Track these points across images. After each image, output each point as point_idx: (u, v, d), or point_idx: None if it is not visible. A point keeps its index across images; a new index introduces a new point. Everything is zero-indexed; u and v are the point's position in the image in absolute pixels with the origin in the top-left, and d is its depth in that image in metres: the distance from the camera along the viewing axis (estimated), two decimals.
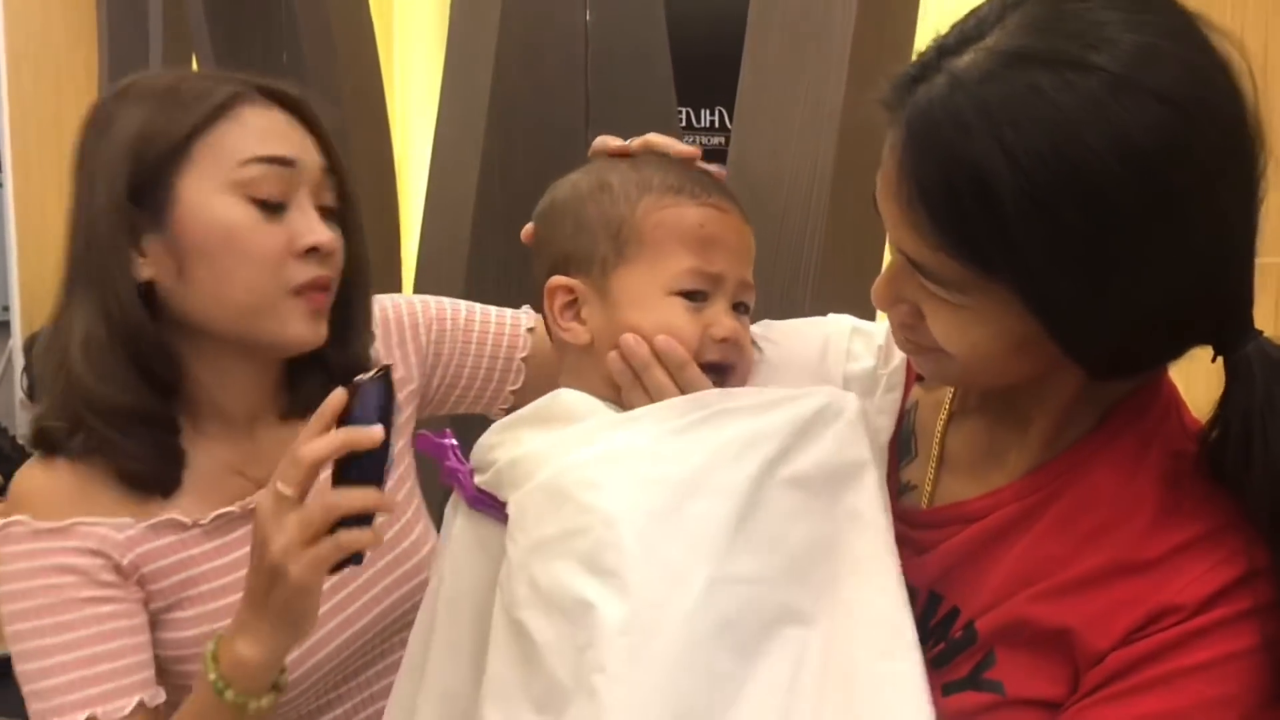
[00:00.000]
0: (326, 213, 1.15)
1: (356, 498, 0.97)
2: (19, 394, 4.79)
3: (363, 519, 0.98)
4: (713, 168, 1.09)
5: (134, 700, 1.08)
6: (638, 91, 1.95)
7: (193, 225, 1.09)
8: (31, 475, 1.13)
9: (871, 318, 1.13)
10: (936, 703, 0.87)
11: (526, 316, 1.35)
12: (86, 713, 1.06)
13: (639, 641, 0.83)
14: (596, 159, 1.08)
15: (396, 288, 2.48)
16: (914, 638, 0.89)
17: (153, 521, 1.12)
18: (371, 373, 0.99)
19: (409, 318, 1.29)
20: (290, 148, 1.13)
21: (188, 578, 1.13)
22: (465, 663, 0.97)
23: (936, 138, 0.79)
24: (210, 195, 1.09)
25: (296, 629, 1.01)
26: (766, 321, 1.10)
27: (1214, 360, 0.85)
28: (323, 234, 1.12)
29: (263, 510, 0.98)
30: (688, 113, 2.40)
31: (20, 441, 4.44)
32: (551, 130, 1.93)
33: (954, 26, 0.84)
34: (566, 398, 0.99)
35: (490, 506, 0.97)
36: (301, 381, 1.19)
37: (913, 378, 1.04)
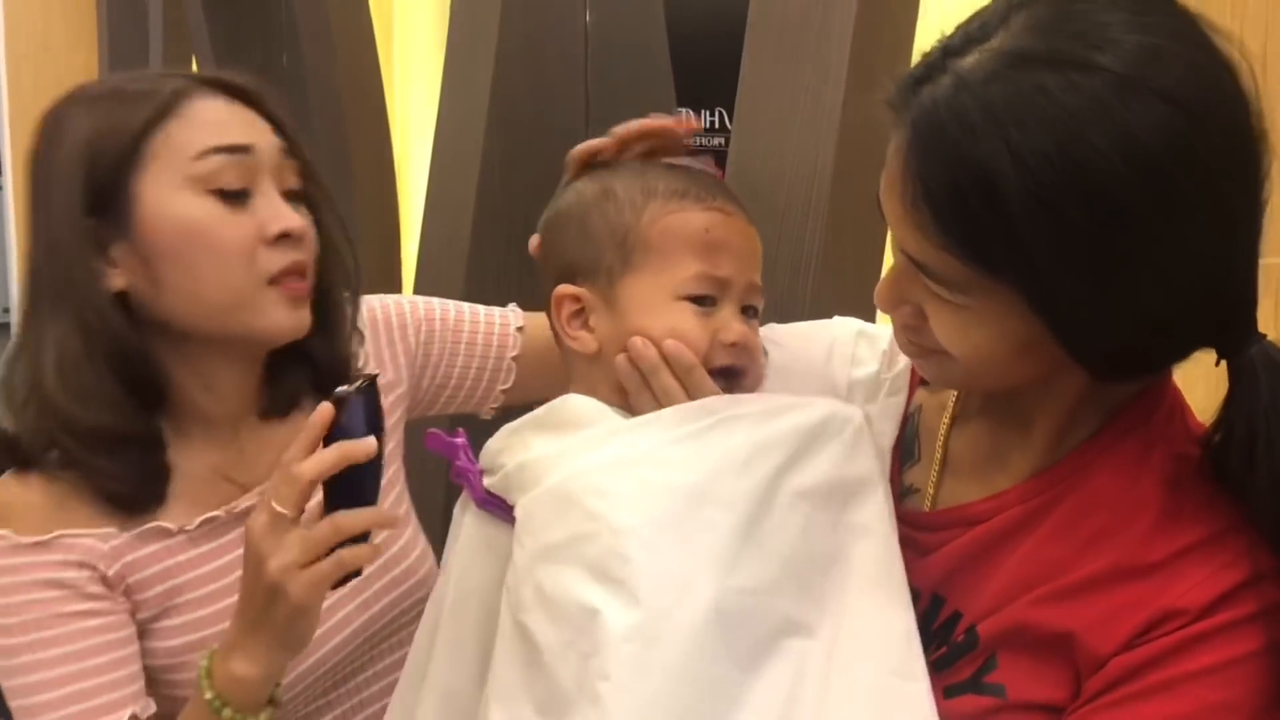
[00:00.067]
0: (292, 195, 1.13)
1: (361, 518, 0.96)
2: None
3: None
4: (693, 161, 1.08)
5: (126, 714, 1.06)
6: (638, 92, 1.95)
7: (157, 227, 1.07)
8: (6, 489, 1.09)
9: (872, 318, 1.13)
10: (938, 705, 0.87)
11: (515, 315, 1.34)
12: None
13: (643, 650, 0.84)
14: (602, 167, 1.07)
15: (396, 288, 2.48)
16: (923, 659, 0.89)
17: (138, 530, 1.10)
18: (358, 383, 0.97)
19: (397, 318, 1.28)
20: (244, 134, 1.10)
21: (175, 586, 1.11)
22: (468, 662, 0.98)
23: (942, 138, 0.79)
24: (170, 194, 1.07)
25: (294, 646, 1.01)
26: (772, 325, 1.10)
27: (1217, 364, 0.85)
28: (291, 218, 1.10)
29: (258, 528, 0.96)
30: (688, 114, 2.40)
31: None
32: (551, 130, 1.93)
33: (959, 28, 0.84)
34: (574, 403, 0.99)
35: (499, 508, 0.97)
36: (282, 378, 1.17)
37: (916, 381, 1.04)
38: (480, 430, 1.04)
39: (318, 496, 0.97)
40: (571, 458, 0.93)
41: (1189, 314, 0.81)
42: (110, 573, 1.08)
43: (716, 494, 0.89)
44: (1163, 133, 0.76)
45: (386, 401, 1.06)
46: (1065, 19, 0.79)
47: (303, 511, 0.96)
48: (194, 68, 3.15)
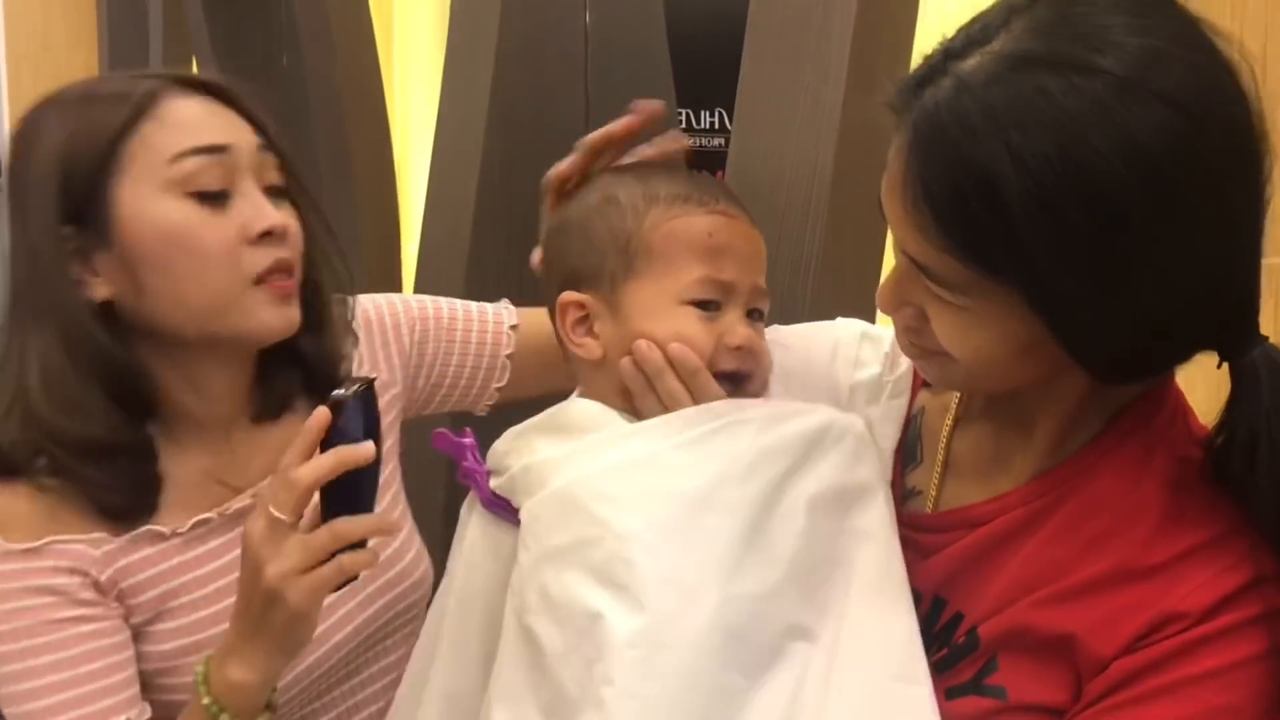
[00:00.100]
0: (275, 191, 1.12)
1: (361, 525, 0.96)
2: None
3: None
4: (667, 144, 1.08)
5: (122, 719, 1.06)
6: (638, 92, 1.94)
7: (137, 235, 1.05)
8: None
9: (872, 318, 1.13)
10: (940, 707, 0.87)
11: (509, 313, 1.34)
12: None
13: (648, 656, 0.84)
14: (601, 178, 1.07)
15: (397, 288, 2.48)
16: (925, 662, 0.89)
17: (130, 535, 1.09)
18: (355, 387, 0.97)
19: (390, 318, 1.27)
20: (220, 133, 1.08)
21: (168, 589, 1.10)
22: (472, 663, 0.98)
23: (943, 140, 0.80)
24: (148, 200, 1.06)
25: (291, 651, 1.00)
26: (776, 327, 1.10)
27: (1219, 366, 0.85)
28: (273, 216, 1.09)
29: (255, 534, 0.96)
30: (688, 114, 2.40)
31: None
32: (551, 130, 1.93)
33: (960, 30, 0.84)
34: (579, 407, 1.00)
35: (505, 509, 0.98)
36: (274, 379, 1.16)
37: (919, 384, 1.03)
38: (488, 430, 1.04)
39: (313, 500, 0.97)
40: (576, 461, 0.94)
41: (1190, 316, 0.81)
42: (102, 578, 1.07)
43: (721, 500, 0.89)
44: (1163, 135, 0.76)
45: (382, 402, 1.06)
46: (1066, 21, 0.80)
47: (301, 517, 0.95)
48: (194, 68, 3.15)
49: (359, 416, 0.96)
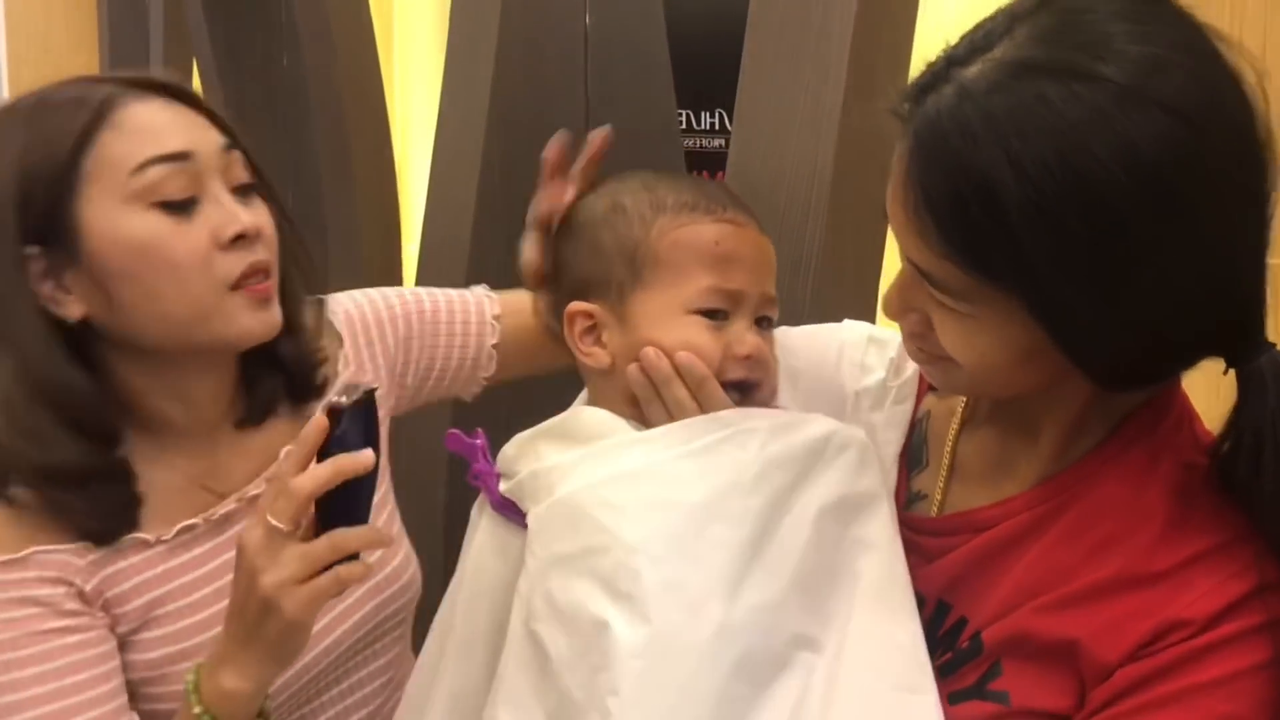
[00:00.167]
0: (245, 189, 1.09)
1: (360, 537, 0.96)
2: None
3: None
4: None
5: None
6: (638, 92, 1.95)
7: (106, 251, 1.02)
8: None
9: (871, 318, 1.13)
10: (943, 712, 0.87)
11: (491, 302, 1.33)
12: None
13: (652, 666, 0.84)
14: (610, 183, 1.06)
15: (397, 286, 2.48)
16: (930, 671, 0.89)
17: (115, 544, 1.07)
18: (355, 395, 0.96)
19: (373, 316, 1.26)
20: (181, 139, 1.05)
21: (154, 598, 1.09)
22: (478, 663, 0.98)
23: (944, 147, 0.79)
24: (114, 214, 1.02)
25: (285, 661, 0.99)
26: (785, 329, 1.10)
27: (1225, 372, 0.84)
28: (244, 219, 1.06)
29: (252, 543, 0.94)
30: (688, 115, 2.40)
31: None
32: (552, 132, 1.92)
33: (963, 37, 0.84)
34: (587, 414, 1.00)
35: (513, 512, 0.98)
36: (257, 385, 1.15)
37: (925, 388, 1.03)
38: (500, 431, 1.03)
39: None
40: (583, 469, 0.94)
41: (1191, 323, 0.81)
42: (87, 588, 1.05)
43: (727, 510, 0.89)
44: (1164, 143, 0.76)
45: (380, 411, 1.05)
46: (1069, 29, 0.79)
47: (299, 526, 0.94)
48: (195, 69, 3.15)
49: (360, 425, 0.95)
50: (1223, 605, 0.81)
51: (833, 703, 0.87)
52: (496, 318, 1.32)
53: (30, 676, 1.01)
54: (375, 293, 1.29)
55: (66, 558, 1.05)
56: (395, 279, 2.55)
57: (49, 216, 1.02)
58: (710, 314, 0.99)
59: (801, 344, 1.10)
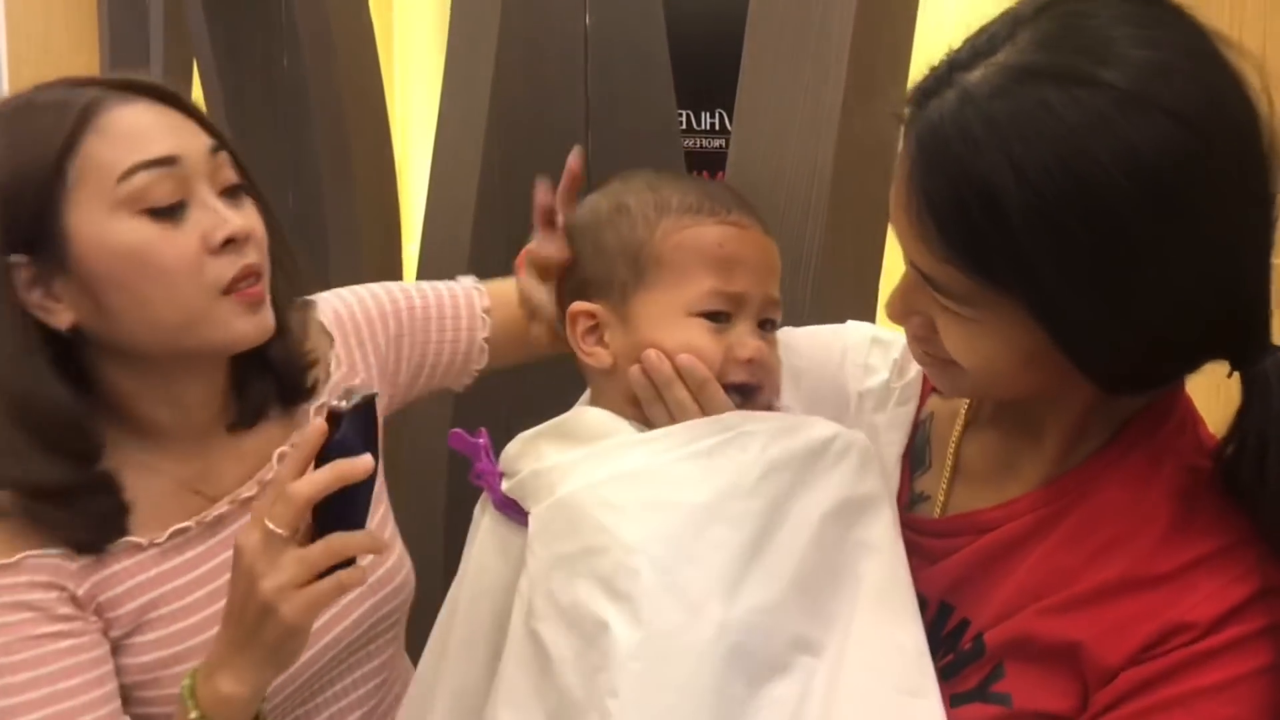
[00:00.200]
0: (233, 191, 1.08)
1: (358, 542, 0.95)
2: None
3: None
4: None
5: None
6: (638, 92, 1.95)
7: (94, 260, 1.01)
8: None
9: (872, 318, 1.13)
10: (945, 713, 0.87)
11: (480, 296, 1.32)
12: None
13: (651, 668, 0.84)
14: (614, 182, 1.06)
15: None
16: (933, 675, 0.89)
17: (107, 548, 1.07)
18: (355, 400, 0.95)
19: (363, 315, 1.25)
20: (167, 143, 1.03)
21: (147, 601, 1.08)
22: (479, 662, 0.98)
23: (946, 152, 0.79)
24: (102, 222, 1.01)
25: (282, 665, 0.99)
26: (789, 330, 1.10)
27: (1230, 375, 0.84)
28: (234, 222, 1.05)
29: (250, 547, 0.94)
30: (688, 115, 2.40)
31: None
32: (551, 132, 1.93)
33: (966, 41, 0.83)
34: (589, 415, 1.00)
35: (515, 511, 0.98)
36: (248, 388, 1.14)
37: (928, 389, 1.03)
38: (503, 429, 1.03)
39: None
40: (584, 469, 0.94)
41: (1193, 327, 0.81)
42: (80, 592, 1.05)
43: (727, 512, 0.89)
44: (1166, 148, 0.75)
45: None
46: (1071, 34, 0.79)
47: (298, 531, 0.94)
48: (195, 70, 3.15)
49: (360, 430, 0.95)
50: (1226, 609, 0.81)
51: (834, 704, 0.86)
52: (487, 310, 1.31)
53: (23, 682, 1.01)
54: (364, 290, 1.28)
55: (59, 562, 1.04)
56: (395, 279, 2.53)
57: (35, 224, 1.01)
58: (712, 316, 0.99)
59: (804, 344, 1.10)
